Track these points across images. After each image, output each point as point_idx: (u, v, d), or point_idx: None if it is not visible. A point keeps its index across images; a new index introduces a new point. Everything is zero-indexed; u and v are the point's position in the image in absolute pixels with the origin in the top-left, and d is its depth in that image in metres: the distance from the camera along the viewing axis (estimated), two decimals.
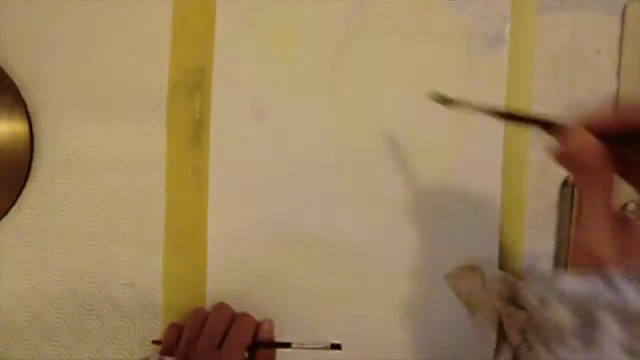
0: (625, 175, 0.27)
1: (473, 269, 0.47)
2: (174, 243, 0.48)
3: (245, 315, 0.46)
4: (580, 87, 0.47)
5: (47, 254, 0.48)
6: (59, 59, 0.48)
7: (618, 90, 0.47)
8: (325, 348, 0.45)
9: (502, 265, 0.47)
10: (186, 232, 0.48)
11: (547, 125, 0.28)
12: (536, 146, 0.47)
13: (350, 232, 0.48)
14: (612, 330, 0.22)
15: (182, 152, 0.48)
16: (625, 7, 0.46)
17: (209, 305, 0.47)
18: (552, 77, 0.47)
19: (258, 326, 0.46)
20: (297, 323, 0.47)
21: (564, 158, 0.27)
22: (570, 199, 0.46)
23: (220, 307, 0.46)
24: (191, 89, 0.48)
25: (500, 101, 0.47)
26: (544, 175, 0.47)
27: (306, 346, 0.45)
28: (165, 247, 0.48)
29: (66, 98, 0.48)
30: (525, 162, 0.47)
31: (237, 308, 0.47)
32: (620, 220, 0.25)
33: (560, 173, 0.47)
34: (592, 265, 0.24)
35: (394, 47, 0.48)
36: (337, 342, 0.45)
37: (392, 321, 0.47)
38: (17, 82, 0.48)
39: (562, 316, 0.23)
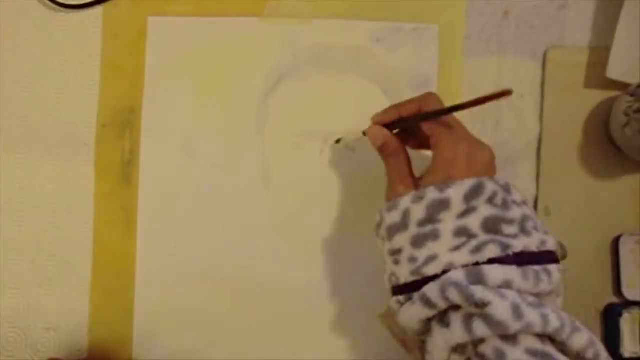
0: (413, 146, 0.41)
1: None
2: (102, 284, 0.47)
3: None
4: (505, 128, 0.48)
5: None
6: None
7: (540, 132, 0.48)
8: None
9: None
10: (114, 272, 0.47)
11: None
12: None
13: (281, 271, 0.48)
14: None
15: (110, 191, 0.48)
16: (546, 53, 0.48)
17: (135, 348, 0.47)
18: (478, 118, 0.48)
19: None
20: None
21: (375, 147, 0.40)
22: None
23: None
24: (120, 128, 0.48)
25: None
26: None
27: None
28: (92, 288, 0.47)
29: None
30: None
31: (165, 349, 0.46)
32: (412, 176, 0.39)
33: None
34: (395, 197, 0.37)
35: (324, 87, 0.48)
36: None
37: None
38: None
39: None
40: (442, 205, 0.34)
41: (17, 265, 0.47)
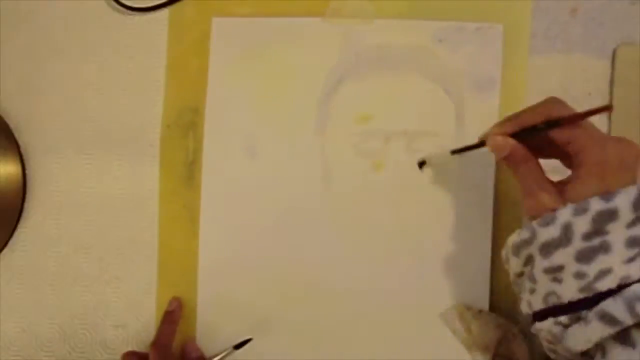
0: (543, 155, 0.37)
1: (465, 308, 0.47)
2: (167, 282, 0.48)
3: None
4: None
5: (38, 295, 0.48)
6: (52, 99, 0.48)
7: (609, 131, 0.47)
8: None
9: (494, 305, 0.46)
10: (179, 270, 0.48)
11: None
12: None
13: (341, 271, 0.48)
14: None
15: (174, 191, 0.48)
16: (615, 50, 0.47)
17: (198, 345, 0.47)
18: None
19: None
20: None
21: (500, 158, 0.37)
22: None
23: None
24: (184, 129, 0.48)
25: None
26: None
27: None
28: (159, 286, 0.48)
29: (59, 139, 0.48)
30: (517, 201, 0.47)
31: (227, 346, 0.47)
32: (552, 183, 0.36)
33: None
34: (540, 207, 0.35)
35: (385, 87, 0.48)
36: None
37: None
38: (10, 123, 0.48)
39: None
40: (610, 216, 0.32)
41: (85, 263, 0.48)
